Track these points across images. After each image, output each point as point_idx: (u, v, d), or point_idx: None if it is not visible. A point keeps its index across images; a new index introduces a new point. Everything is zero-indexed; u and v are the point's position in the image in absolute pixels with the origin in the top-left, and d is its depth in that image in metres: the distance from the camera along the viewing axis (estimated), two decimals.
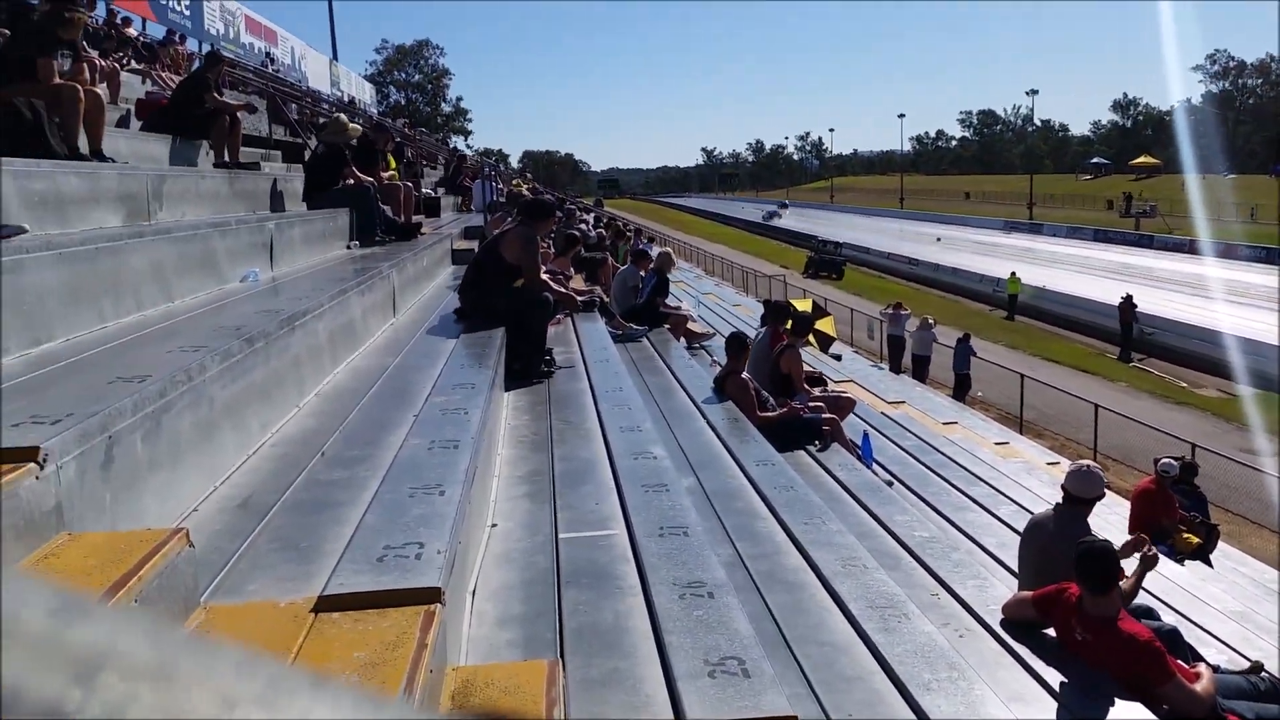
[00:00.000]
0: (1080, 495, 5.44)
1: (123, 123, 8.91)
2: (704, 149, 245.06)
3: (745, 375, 8.38)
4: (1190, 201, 60.01)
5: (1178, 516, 10.92)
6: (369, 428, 3.58)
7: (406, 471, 2.90)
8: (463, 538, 2.55)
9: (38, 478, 1.89)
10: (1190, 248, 53.72)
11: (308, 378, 4.01)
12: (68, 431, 2.04)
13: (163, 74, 13.20)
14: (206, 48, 21.06)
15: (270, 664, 0.36)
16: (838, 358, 20.59)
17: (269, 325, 3.53)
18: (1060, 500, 5.57)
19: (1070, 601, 4.52)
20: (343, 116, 10.39)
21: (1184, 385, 26.31)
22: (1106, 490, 6.70)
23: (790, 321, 10.36)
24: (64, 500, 1.98)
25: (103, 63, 10.16)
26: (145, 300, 3.94)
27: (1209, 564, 10.66)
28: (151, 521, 2.32)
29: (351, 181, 8.77)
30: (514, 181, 20.03)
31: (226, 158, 8.51)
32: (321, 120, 14.22)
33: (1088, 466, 5.64)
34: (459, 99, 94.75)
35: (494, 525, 3.40)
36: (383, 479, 2.87)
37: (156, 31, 21.23)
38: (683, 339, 11.94)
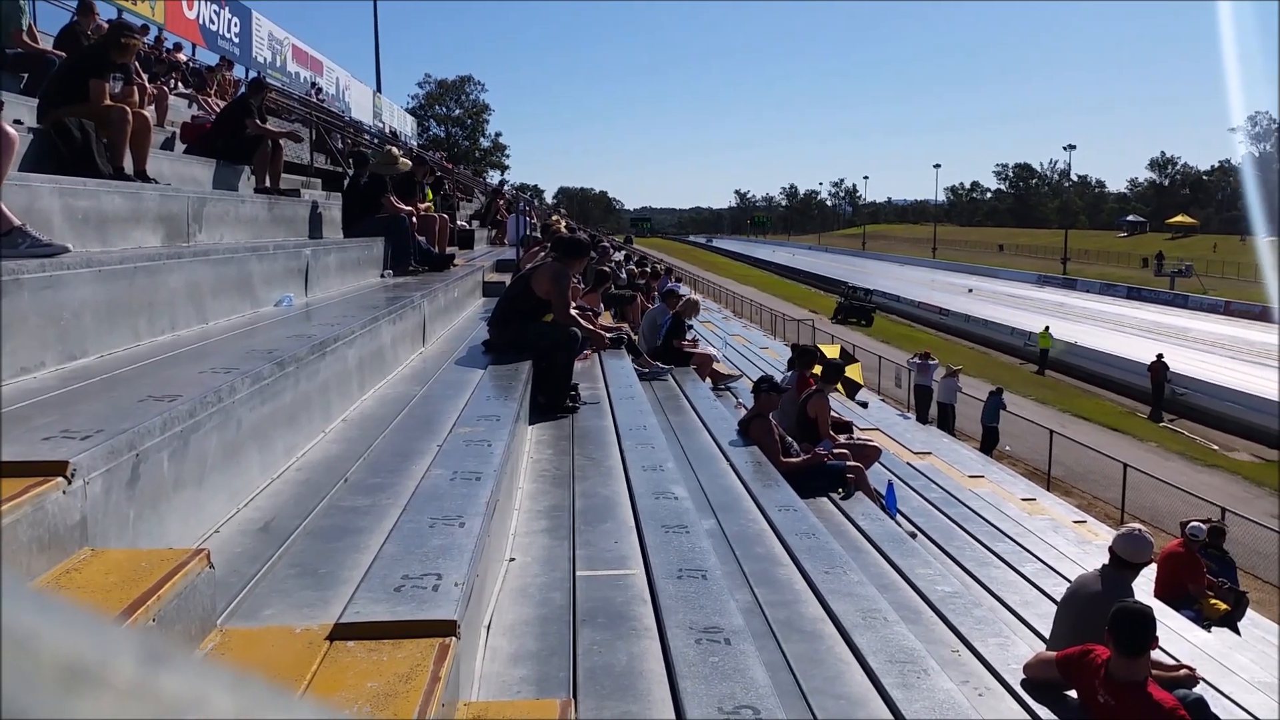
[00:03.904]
0: (1128, 559, 5.35)
1: (168, 145, 9.10)
2: (737, 191, 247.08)
3: (771, 419, 8.35)
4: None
5: (1205, 582, 10.71)
6: (392, 456, 3.59)
7: (428, 501, 2.90)
8: (481, 571, 2.55)
9: (65, 492, 1.91)
10: (1226, 309, 53.21)
11: (335, 403, 4.04)
12: (97, 448, 2.06)
13: (209, 99, 13.46)
14: (254, 75, 21.47)
15: None
16: (864, 405, 20.48)
17: (300, 350, 3.56)
18: (1106, 563, 5.47)
19: (1095, 663, 4.42)
20: (393, 149, 10.57)
21: (1215, 448, 25.90)
22: None
23: (819, 367, 10.33)
24: (88, 515, 1.99)
25: (151, 87, 10.38)
26: (180, 320, 4.00)
27: (1237, 631, 10.42)
28: (173, 541, 2.33)
29: (390, 212, 8.89)
30: (552, 217, 20.18)
31: (268, 183, 8.65)
32: (364, 150, 14.42)
33: (1138, 530, 5.53)
34: (498, 134, 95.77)
35: (512, 559, 3.39)
36: (404, 508, 2.87)
37: (206, 58, 21.71)
38: (708, 379, 11.93)
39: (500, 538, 3.35)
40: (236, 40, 25.70)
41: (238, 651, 1.94)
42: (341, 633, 2.01)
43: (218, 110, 11.22)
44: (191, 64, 18.75)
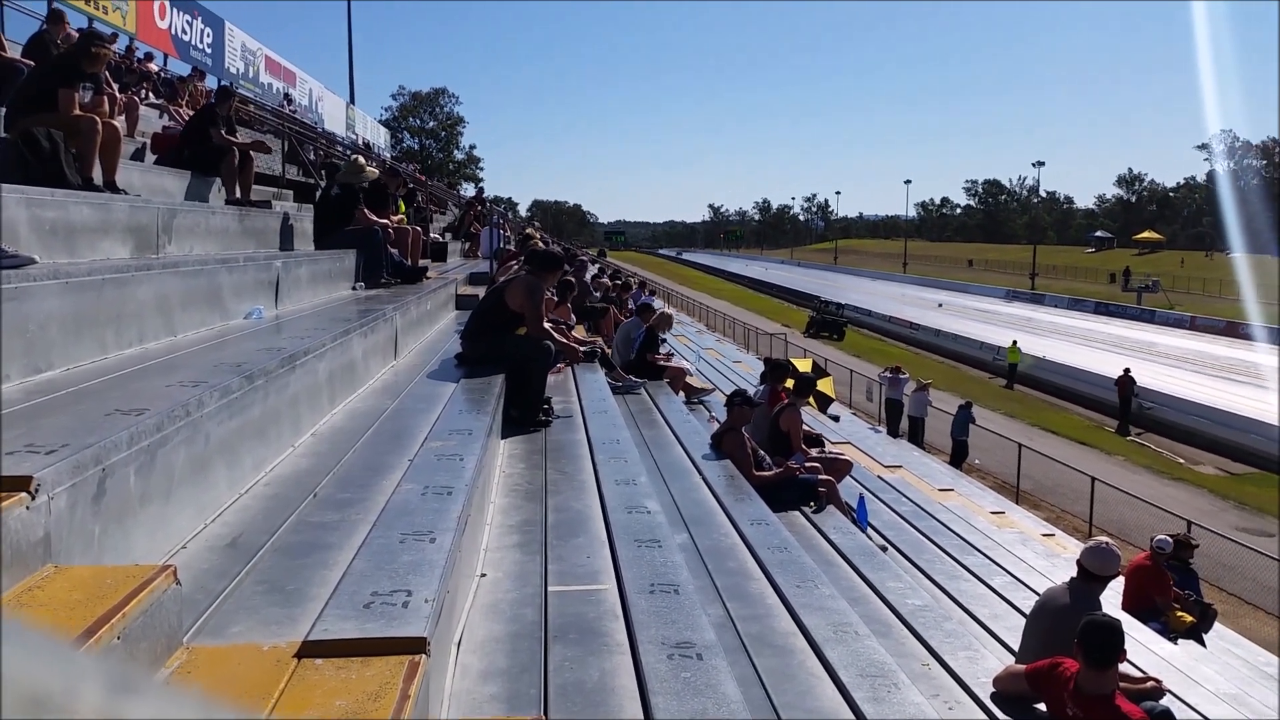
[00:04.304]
0: (1096, 572, 5.40)
1: (138, 156, 9.01)
2: (711, 205, 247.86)
3: (744, 432, 8.37)
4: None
5: (1171, 594, 10.82)
6: (363, 471, 3.57)
7: (398, 517, 2.88)
8: (451, 587, 2.53)
9: (28, 508, 1.88)
10: (1192, 324, 54.02)
11: (304, 417, 4.00)
12: (61, 462, 2.03)
13: (181, 109, 13.36)
14: (223, 85, 21.34)
15: None
16: (836, 419, 20.57)
17: (270, 363, 3.53)
18: (1074, 576, 5.52)
19: (1064, 676, 4.46)
20: (360, 158, 10.50)
21: (1181, 461, 26.24)
22: None
23: (791, 381, 10.39)
24: (52, 532, 1.97)
25: (122, 97, 10.29)
26: (148, 333, 3.95)
27: (1202, 644, 10.53)
28: (139, 557, 2.30)
29: (363, 224, 8.83)
30: (527, 230, 20.16)
31: (238, 194, 8.58)
32: (336, 161, 14.36)
33: (1106, 544, 5.60)
34: (472, 147, 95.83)
35: (483, 575, 3.37)
36: (374, 523, 2.85)
37: (179, 68, 21.56)
38: (682, 393, 11.95)
39: (471, 553, 3.34)
40: (209, 51, 25.54)
41: (204, 670, 1.92)
42: (310, 650, 1.99)
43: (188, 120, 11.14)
44: (163, 74, 18.63)
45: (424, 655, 2.00)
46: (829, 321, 53.10)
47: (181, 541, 2.65)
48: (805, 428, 10.11)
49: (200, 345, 4.08)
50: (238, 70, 28.06)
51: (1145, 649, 8.40)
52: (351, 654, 1.98)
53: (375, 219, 9.08)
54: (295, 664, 1.94)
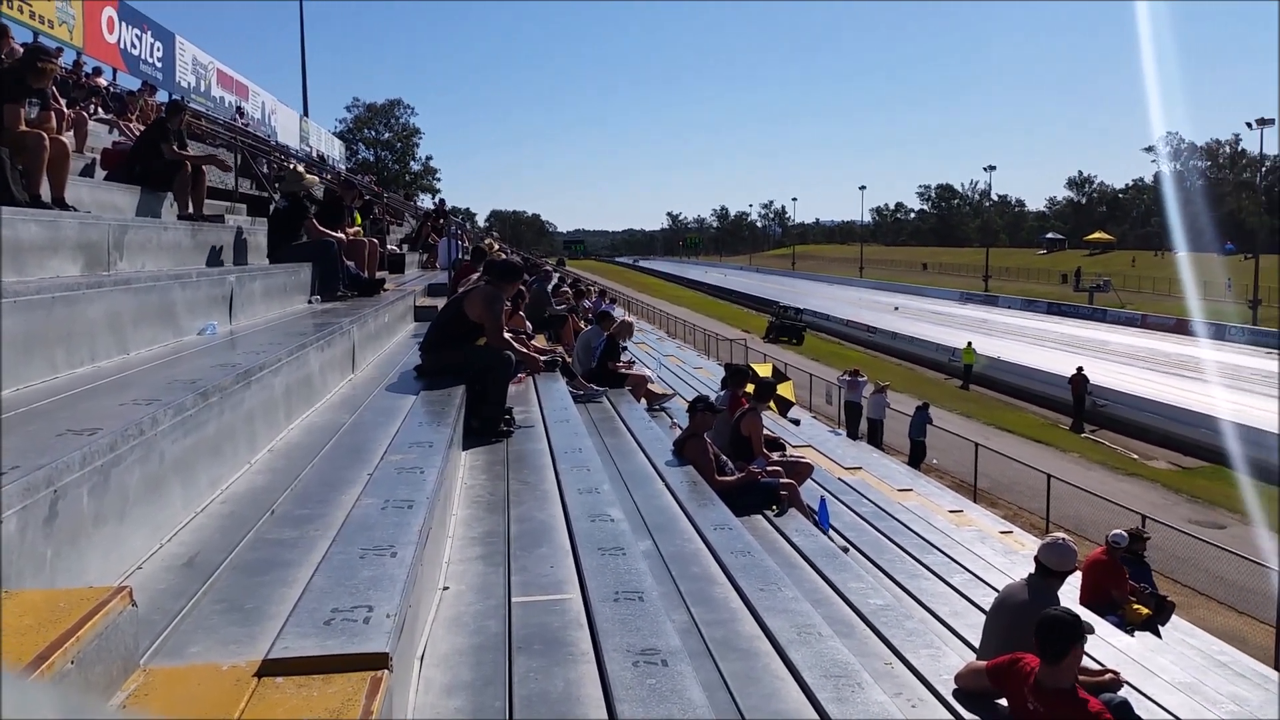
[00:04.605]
0: (1053, 568, 5.49)
1: (87, 172, 8.87)
2: (669, 213, 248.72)
3: (706, 438, 8.40)
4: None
5: (1128, 588, 11.02)
6: (321, 486, 3.54)
7: (358, 532, 2.86)
8: (413, 601, 2.52)
9: None
10: (1143, 322, 55.09)
11: (260, 433, 3.96)
12: (12, 485, 2.00)
13: (131, 124, 13.17)
14: (174, 99, 21.04)
15: None
16: (796, 422, 20.71)
17: (224, 379, 3.50)
18: (1032, 572, 5.60)
19: (1024, 671, 4.53)
20: (299, 166, 10.40)
21: (1135, 457, 26.72)
22: None
23: (752, 386, 10.44)
24: (2, 556, 1.93)
25: (70, 112, 10.12)
26: (100, 351, 3.89)
27: (1158, 635, 10.73)
28: (93, 579, 2.27)
29: (314, 236, 8.75)
30: (485, 241, 20.07)
31: (190, 210, 8.47)
32: (277, 171, 14.20)
33: (1062, 540, 5.68)
34: (428, 158, 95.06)
35: (446, 588, 3.36)
36: (333, 539, 2.83)
37: (129, 83, 21.22)
38: (643, 400, 11.96)
39: (433, 566, 3.32)
40: (159, 65, 25.17)
41: (162, 692, 1.90)
42: (270, 669, 1.97)
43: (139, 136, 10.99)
44: (112, 89, 18.35)
45: (386, 671, 1.99)
46: (788, 326, 53.53)
47: (137, 562, 2.61)
48: (766, 432, 10.16)
49: (153, 362, 4.03)
50: (189, 84, 27.70)
51: (1103, 642, 8.55)
52: (312, 671, 1.96)
53: (325, 230, 8.99)
54: (255, 683, 1.92)
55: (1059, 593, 5.52)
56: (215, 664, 2.03)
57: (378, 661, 2.01)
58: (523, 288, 10.94)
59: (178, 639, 2.20)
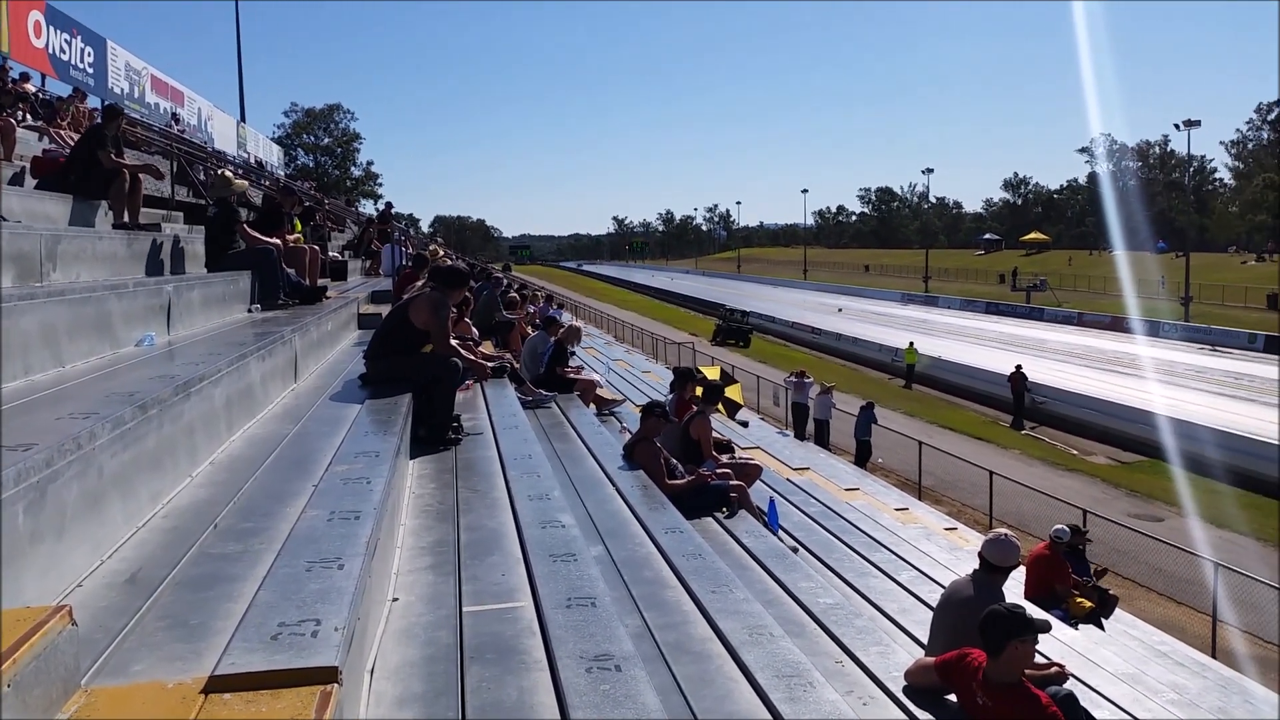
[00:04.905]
0: (997, 564, 5.57)
1: (17, 180, 8.64)
2: (615, 217, 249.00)
3: (656, 443, 8.41)
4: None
5: (1071, 582, 11.25)
6: (265, 499, 3.48)
7: (304, 544, 2.82)
8: (362, 613, 2.49)
9: None
10: (1079, 320, 56.37)
11: (201, 446, 3.88)
12: None
13: (62, 131, 12.84)
14: (108, 104, 20.56)
15: None
16: (745, 424, 20.84)
17: (163, 391, 3.42)
18: (977, 568, 5.68)
19: (972, 666, 4.60)
20: (227, 171, 10.20)
21: (1074, 452, 27.32)
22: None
23: (699, 389, 10.48)
24: None
25: None
26: (34, 364, 3.79)
27: (1101, 628, 10.98)
28: (31, 599, 2.20)
29: (246, 242, 8.58)
30: (430, 248, 19.89)
31: (126, 218, 8.28)
32: (206, 177, 13.93)
33: (1005, 535, 5.78)
34: (369, 163, 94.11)
35: (395, 599, 3.32)
36: (278, 552, 2.78)
37: (59, 89, 20.68)
38: (592, 405, 11.95)
39: (382, 578, 3.28)
40: (91, 70, 24.58)
41: (105, 712, 1.85)
42: (217, 685, 1.94)
43: (71, 143, 10.72)
44: (41, 95, 17.88)
45: (336, 684, 1.96)
46: (735, 329, 53.94)
47: (77, 580, 2.55)
48: (715, 434, 10.21)
49: (90, 375, 3.93)
50: (122, 90, 27.08)
51: (1048, 635, 8.72)
52: (260, 687, 1.93)
53: (260, 236, 8.82)
54: (202, 700, 1.88)
55: (1004, 588, 5.62)
56: (160, 682, 1.99)
57: (327, 675, 1.98)
58: (469, 294, 10.87)
59: (121, 657, 2.15)
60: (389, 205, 28.50)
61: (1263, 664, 12.74)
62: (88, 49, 24.48)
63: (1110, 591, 11.72)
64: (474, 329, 10.65)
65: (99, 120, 8.97)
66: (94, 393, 3.39)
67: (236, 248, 8.46)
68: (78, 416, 2.84)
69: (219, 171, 10.53)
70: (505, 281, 18.64)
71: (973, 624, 4.88)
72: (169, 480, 3.43)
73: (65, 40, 23.01)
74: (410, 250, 18.83)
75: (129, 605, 2.44)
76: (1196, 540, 17.53)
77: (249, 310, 7.89)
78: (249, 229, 8.82)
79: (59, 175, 8.35)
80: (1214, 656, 12.07)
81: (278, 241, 9.12)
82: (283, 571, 2.59)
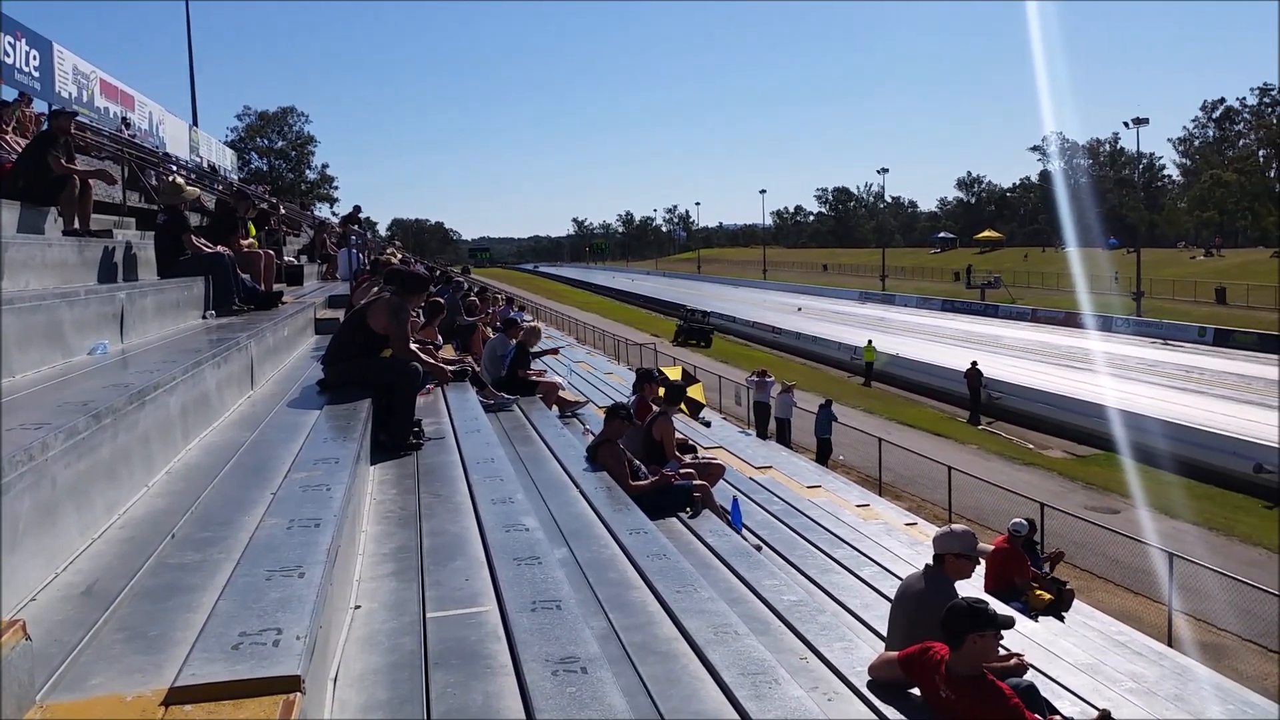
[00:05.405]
0: (944, 552, 5.63)
1: None
2: (575, 219, 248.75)
3: (619, 444, 8.42)
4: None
5: (1030, 574, 11.42)
6: (223, 507, 3.43)
7: (263, 553, 2.79)
8: (324, 622, 2.47)
9: None
10: (1033, 316, 57.22)
11: (157, 455, 3.82)
12: None
13: (7, 137, 12.56)
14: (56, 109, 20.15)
15: None
16: (708, 424, 20.91)
17: (117, 400, 3.36)
18: (929, 562, 5.74)
19: (934, 660, 4.65)
20: (177, 178, 10.04)
21: (1031, 447, 27.73)
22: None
23: (662, 389, 10.50)
24: None
25: None
26: None
27: (1060, 619, 11.16)
28: None
29: (191, 250, 8.44)
30: (387, 251, 19.71)
31: (77, 225, 8.12)
32: (158, 183, 13.70)
33: (956, 529, 5.84)
34: (324, 166, 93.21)
35: (358, 607, 3.29)
36: (238, 561, 2.75)
37: (3, 95, 20.23)
38: (555, 407, 11.92)
39: (344, 585, 3.26)
40: (37, 74, 24.04)
41: None
42: (177, 697, 1.91)
43: (17, 148, 10.49)
44: None
45: (299, 694, 1.95)
46: (696, 329, 54.13)
47: (31, 593, 2.50)
48: (678, 435, 10.24)
49: (42, 385, 3.86)
50: (70, 94, 26.53)
51: (1010, 630, 8.84)
52: (222, 697, 1.91)
53: (205, 245, 8.69)
54: (163, 712, 1.86)
55: (964, 580, 5.68)
56: (119, 695, 1.96)
57: (289, 684, 1.96)
58: (441, 300, 10.81)
59: (78, 671, 2.11)
60: (357, 208, 28.15)
61: (1215, 650, 13.03)
62: (33, 52, 23.97)
63: (1067, 585, 11.92)
64: (439, 335, 10.58)
65: (46, 125, 8.79)
66: (46, 402, 3.33)
67: (188, 255, 8.33)
68: (29, 427, 2.79)
69: (169, 178, 10.36)
70: (465, 285, 18.54)
71: (925, 618, 4.95)
72: (125, 490, 3.37)
73: (9, 43, 22.50)
74: (368, 255, 18.68)
75: (85, 618, 2.39)
76: (1150, 531, 17.88)
77: (203, 317, 7.78)
78: (197, 238, 8.69)
79: (6, 181, 8.17)
80: (1170, 645, 12.31)
81: (223, 248, 8.97)
82: (243, 580, 2.56)
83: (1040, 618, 10.79)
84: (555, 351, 13.31)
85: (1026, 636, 8.93)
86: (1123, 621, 12.38)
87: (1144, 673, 9.75)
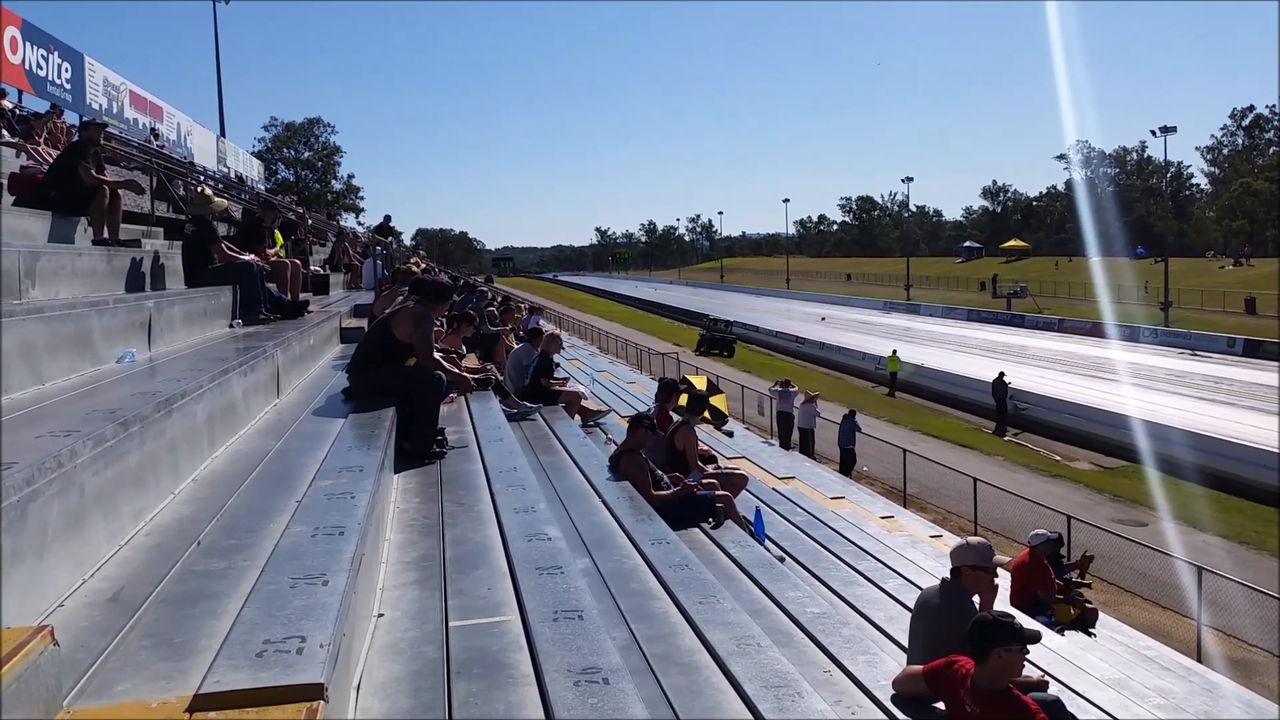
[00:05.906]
0: (960, 564, 5.58)
1: None
2: (598, 228, 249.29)
3: (641, 454, 8.41)
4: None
5: (1055, 587, 11.28)
6: (248, 515, 3.45)
7: (288, 561, 2.80)
8: (347, 630, 2.47)
9: None
10: (1060, 326, 56.75)
11: (184, 463, 3.86)
12: None
13: (39, 148, 12.75)
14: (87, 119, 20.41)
15: None
16: (730, 434, 20.86)
17: (145, 408, 3.40)
18: (946, 576, 5.69)
19: (960, 674, 4.60)
20: (206, 189, 10.14)
21: (1057, 458, 27.45)
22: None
23: (685, 399, 10.49)
24: None
25: None
26: (14, 382, 3.75)
27: (1088, 634, 11.02)
28: (12, 619, 2.18)
29: (223, 259, 8.53)
30: (411, 260, 19.82)
31: (106, 235, 8.22)
32: (184, 195, 13.86)
33: (974, 542, 5.79)
34: (350, 176, 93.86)
35: (381, 615, 3.30)
36: (262, 569, 2.76)
37: (36, 105, 20.54)
38: (577, 417, 11.94)
39: (367, 593, 3.27)
40: (68, 86, 24.41)
41: None
42: (201, 704, 1.92)
43: (49, 159, 10.64)
44: (18, 111, 17.76)
45: (322, 701, 1.95)
46: (719, 339, 54.03)
47: (59, 599, 2.52)
48: (700, 445, 10.22)
49: (71, 393, 3.90)
50: (101, 106, 26.92)
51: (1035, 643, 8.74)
52: (246, 705, 1.92)
53: (237, 254, 8.77)
54: (187, 718, 1.87)
55: (991, 592, 5.63)
56: (144, 701, 1.97)
57: (313, 692, 1.97)
58: (472, 311, 10.87)
59: (104, 677, 2.12)
60: (387, 218, 28.30)
61: (1245, 667, 12.83)
62: (65, 65, 24.34)
63: (1089, 604, 11.77)
64: (462, 344, 10.63)
65: (77, 136, 8.91)
66: (75, 410, 3.37)
67: (215, 264, 8.42)
68: (58, 434, 2.82)
69: (198, 189, 10.47)
70: (489, 294, 18.61)
71: (942, 631, 4.90)
72: (151, 497, 3.40)
73: (42, 56, 22.87)
74: (388, 268, 18.81)
75: (112, 624, 2.41)
76: (1178, 544, 17.64)
77: (230, 326, 7.85)
78: (227, 247, 8.78)
79: (37, 191, 8.29)
80: (1199, 660, 12.13)
81: (252, 256, 9.06)
82: (267, 588, 2.58)
83: (1067, 631, 10.65)
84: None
85: (1052, 650, 8.82)
86: (1151, 636, 12.20)
87: (1172, 688, 9.60)
